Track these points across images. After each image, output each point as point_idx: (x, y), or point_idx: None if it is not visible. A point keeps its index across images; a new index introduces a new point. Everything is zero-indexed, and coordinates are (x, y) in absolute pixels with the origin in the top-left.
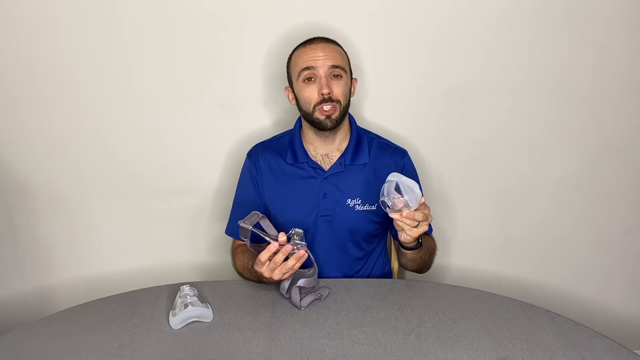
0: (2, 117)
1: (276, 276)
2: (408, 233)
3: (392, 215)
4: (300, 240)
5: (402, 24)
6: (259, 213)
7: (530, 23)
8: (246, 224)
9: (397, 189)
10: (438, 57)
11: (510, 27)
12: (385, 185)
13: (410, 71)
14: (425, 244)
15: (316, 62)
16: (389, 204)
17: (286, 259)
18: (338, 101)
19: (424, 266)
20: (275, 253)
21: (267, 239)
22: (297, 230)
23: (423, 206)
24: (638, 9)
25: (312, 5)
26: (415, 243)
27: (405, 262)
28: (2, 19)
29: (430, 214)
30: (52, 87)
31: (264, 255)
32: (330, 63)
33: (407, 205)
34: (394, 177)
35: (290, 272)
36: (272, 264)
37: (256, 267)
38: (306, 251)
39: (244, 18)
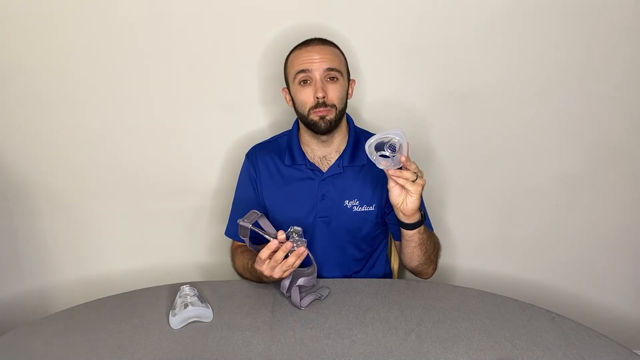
0: (2, 117)
1: (276, 274)
2: (410, 189)
3: (388, 171)
4: (300, 238)
5: (401, 24)
6: (257, 212)
7: (531, 23)
8: (245, 222)
9: (380, 148)
10: (437, 57)
11: (510, 27)
12: (368, 147)
13: (409, 72)
14: (428, 231)
15: (311, 65)
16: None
17: (286, 256)
18: (333, 105)
19: (429, 257)
20: (275, 251)
21: (267, 237)
22: (295, 228)
23: (409, 163)
24: (639, 7)
25: (310, 6)
26: (418, 217)
27: (411, 253)
28: (2, 19)
29: (422, 174)
30: (52, 87)
31: (264, 253)
32: (325, 66)
33: (391, 165)
34: (374, 139)
35: (291, 269)
36: (272, 262)
37: (256, 266)
38: (305, 248)
39: (242, 18)
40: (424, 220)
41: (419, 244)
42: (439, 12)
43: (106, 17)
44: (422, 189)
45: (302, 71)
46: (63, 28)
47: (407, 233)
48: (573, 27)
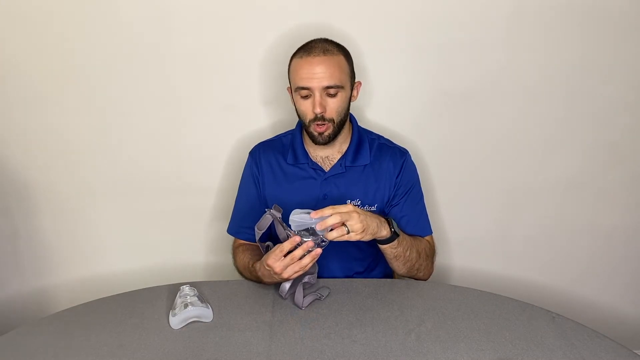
0: (2, 117)
1: (286, 274)
2: (353, 238)
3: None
4: (317, 238)
5: (405, 24)
6: (280, 208)
7: (532, 24)
8: (274, 212)
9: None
10: (441, 57)
11: (512, 28)
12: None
13: (413, 71)
14: (408, 238)
15: (311, 82)
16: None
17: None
18: (332, 119)
19: (412, 267)
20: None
21: (287, 232)
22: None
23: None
24: (639, 7)
25: (315, 6)
26: (384, 235)
27: (390, 264)
28: (2, 18)
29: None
30: (52, 87)
31: (286, 246)
32: (325, 84)
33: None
34: (293, 223)
35: (300, 272)
36: (288, 259)
37: (269, 262)
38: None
39: (245, 18)
40: (395, 236)
41: (393, 256)
42: (444, 13)
43: (107, 17)
44: (364, 232)
45: (303, 87)
46: (64, 28)
47: (379, 246)
48: (573, 27)
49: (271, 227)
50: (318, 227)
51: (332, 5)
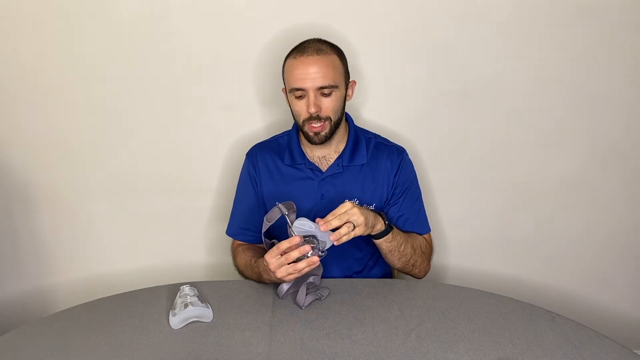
0: (2, 117)
1: (280, 274)
2: (357, 233)
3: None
4: (321, 249)
5: (402, 24)
6: (294, 205)
7: (532, 23)
8: (282, 208)
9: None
10: (439, 56)
11: (511, 27)
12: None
13: (410, 71)
14: (402, 233)
15: (304, 83)
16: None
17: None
18: (327, 117)
19: (408, 262)
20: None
21: (291, 231)
22: (312, 238)
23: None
24: (638, 6)
25: (311, 6)
26: (379, 228)
27: (385, 258)
28: (3, 19)
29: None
30: (52, 87)
31: (284, 244)
32: (319, 84)
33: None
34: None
35: (295, 275)
36: (283, 258)
37: (266, 257)
38: (319, 260)
39: (243, 18)
40: (389, 229)
41: (388, 250)
42: (442, 12)
43: (107, 18)
44: (366, 225)
45: (297, 89)
46: (64, 28)
47: (375, 241)
48: (572, 26)
49: (270, 230)
50: (322, 229)
51: (330, 6)
